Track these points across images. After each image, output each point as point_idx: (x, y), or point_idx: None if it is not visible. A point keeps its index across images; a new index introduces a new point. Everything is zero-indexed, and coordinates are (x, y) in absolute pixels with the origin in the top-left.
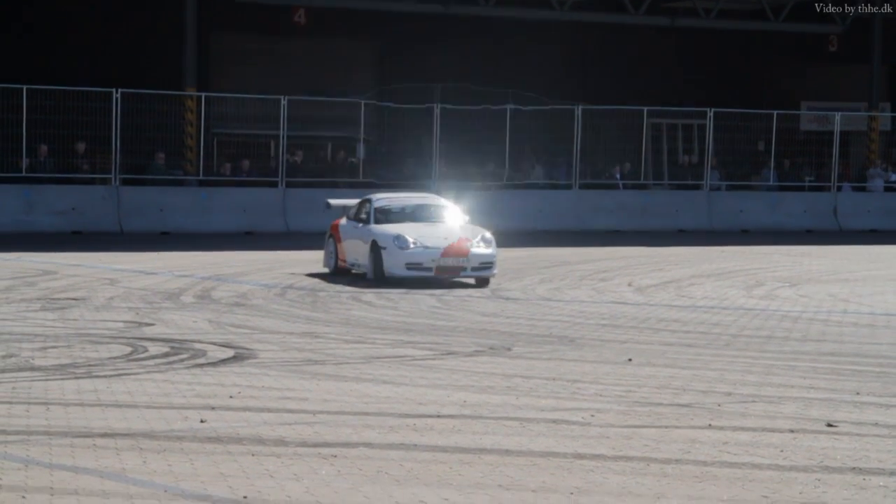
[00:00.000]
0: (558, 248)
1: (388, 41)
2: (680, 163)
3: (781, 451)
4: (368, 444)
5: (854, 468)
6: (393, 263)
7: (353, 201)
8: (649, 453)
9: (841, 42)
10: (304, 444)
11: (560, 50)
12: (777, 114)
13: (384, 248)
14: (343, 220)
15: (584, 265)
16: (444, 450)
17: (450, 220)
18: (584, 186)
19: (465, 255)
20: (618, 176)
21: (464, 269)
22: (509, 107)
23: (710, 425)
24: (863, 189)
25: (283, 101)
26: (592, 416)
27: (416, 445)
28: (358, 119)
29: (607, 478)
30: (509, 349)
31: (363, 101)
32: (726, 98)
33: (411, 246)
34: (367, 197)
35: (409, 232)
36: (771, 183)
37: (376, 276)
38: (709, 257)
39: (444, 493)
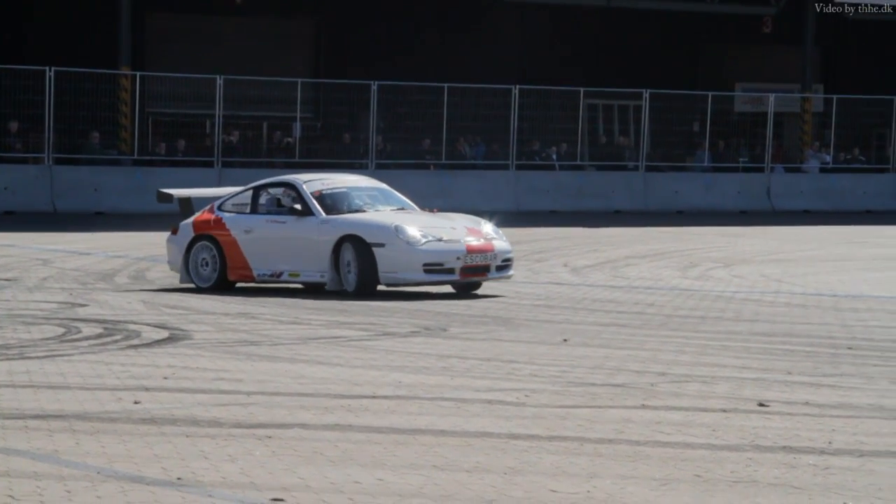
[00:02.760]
0: None
1: (326, 19)
2: (616, 143)
3: (714, 430)
4: (303, 425)
5: (785, 447)
6: (399, 265)
7: (221, 191)
8: (583, 433)
9: (775, 24)
10: (238, 426)
11: (499, 30)
12: (712, 95)
13: (380, 246)
14: (227, 215)
15: (519, 245)
16: (378, 430)
17: (415, 207)
18: (520, 167)
19: (491, 249)
20: (554, 157)
21: (489, 268)
22: (446, 85)
23: (643, 405)
24: (796, 170)
25: (219, 81)
26: (527, 396)
27: (350, 426)
28: (295, 98)
29: (541, 457)
30: (445, 330)
31: (300, 81)
32: (662, 79)
33: (422, 240)
34: (284, 180)
35: (403, 221)
36: (705, 164)
37: (362, 286)
38: (643, 238)
39: (379, 473)
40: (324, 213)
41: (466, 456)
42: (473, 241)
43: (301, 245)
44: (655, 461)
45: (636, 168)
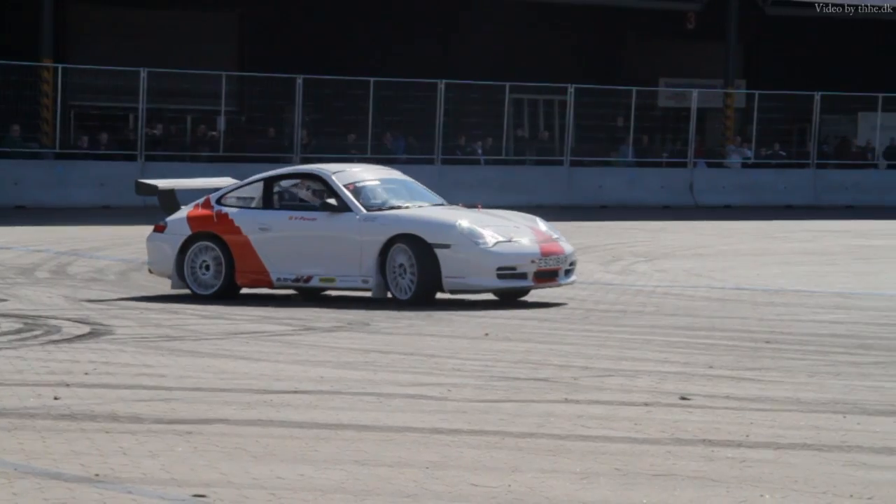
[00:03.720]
0: None
1: (251, 13)
2: (539, 138)
3: (635, 424)
4: (225, 421)
5: (704, 440)
6: (468, 269)
7: (208, 182)
8: (505, 427)
9: (699, 20)
10: (159, 421)
11: (424, 24)
12: (636, 90)
13: (444, 247)
14: (233, 210)
15: None
16: (300, 426)
17: (445, 202)
18: (446, 162)
19: (562, 252)
20: (479, 151)
21: (558, 273)
22: (372, 79)
23: (566, 399)
24: (718, 165)
25: (143, 74)
26: (450, 390)
27: (272, 422)
28: (219, 92)
29: (463, 452)
30: (367, 324)
31: (224, 74)
32: (587, 74)
33: (492, 240)
34: (304, 171)
35: (466, 218)
36: (629, 159)
37: (421, 293)
38: (566, 232)
39: (301, 469)
40: (364, 210)
41: (388, 450)
42: (544, 243)
43: (337, 246)
44: (577, 455)
45: (561, 163)
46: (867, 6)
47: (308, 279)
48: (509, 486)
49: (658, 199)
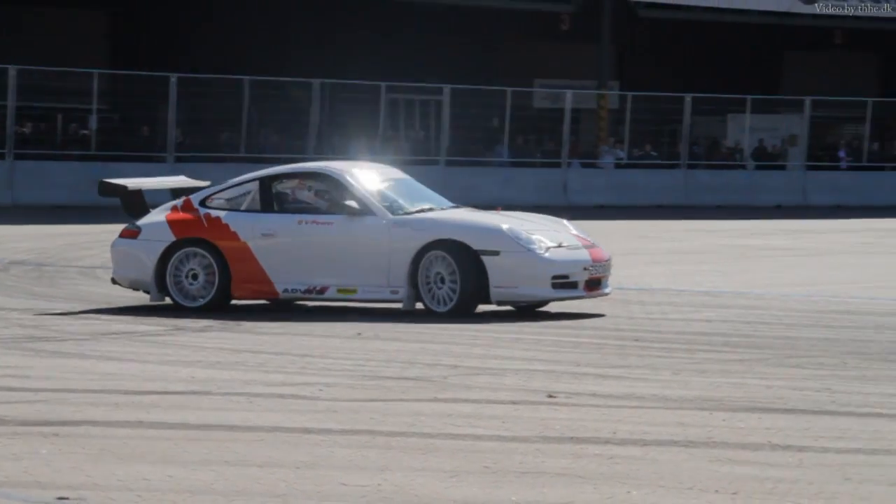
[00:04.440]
0: None
1: (124, 10)
2: (415, 138)
3: (503, 422)
4: (92, 422)
5: (572, 437)
6: (520, 277)
7: (172, 181)
8: (375, 426)
9: (573, 21)
10: (24, 423)
11: (301, 23)
12: (511, 91)
13: (492, 254)
14: (226, 213)
15: None
16: (170, 427)
17: (460, 206)
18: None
19: (607, 258)
20: (354, 151)
21: (601, 281)
22: (247, 78)
23: (435, 398)
24: (592, 166)
25: (12, 71)
26: (321, 390)
27: (141, 423)
28: (91, 90)
29: (333, 451)
30: (239, 324)
31: (96, 72)
32: (463, 75)
33: (543, 247)
34: (309, 170)
35: (509, 222)
36: (504, 159)
37: (463, 304)
38: None
39: (169, 470)
40: (389, 213)
41: (258, 451)
42: (590, 248)
43: (360, 253)
44: (446, 453)
45: (436, 162)
46: (736, 10)
47: (323, 290)
48: (379, 485)
49: (532, 199)
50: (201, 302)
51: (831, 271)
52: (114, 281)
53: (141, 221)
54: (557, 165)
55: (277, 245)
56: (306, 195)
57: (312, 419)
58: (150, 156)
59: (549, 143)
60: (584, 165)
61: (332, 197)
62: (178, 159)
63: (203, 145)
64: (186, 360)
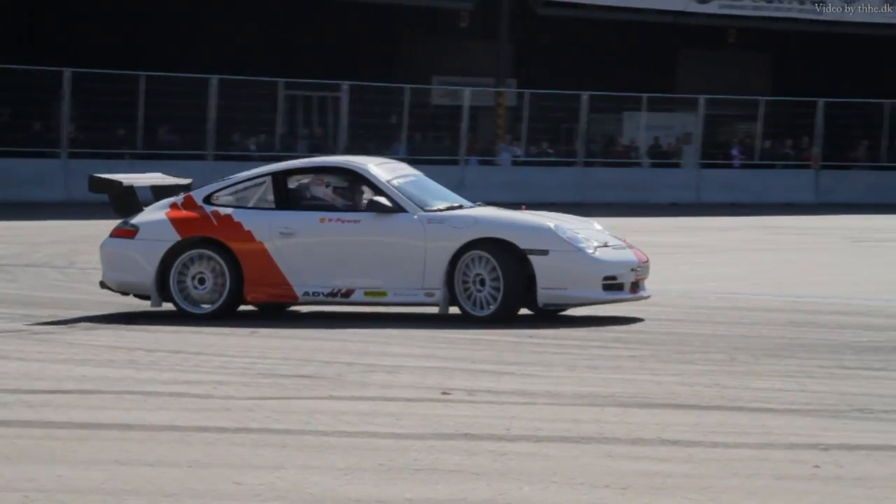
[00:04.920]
0: None
1: (14, 2)
2: (315, 135)
3: (398, 419)
4: None
5: (466, 434)
6: (571, 279)
7: (148, 178)
8: (270, 424)
9: (471, 18)
10: None
11: (199, 19)
12: (410, 88)
13: (541, 254)
14: (237, 211)
15: None
16: (60, 426)
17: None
18: (218, 158)
19: (646, 260)
20: (253, 147)
21: (641, 283)
22: (143, 74)
23: (331, 396)
24: (489, 163)
25: None
26: (215, 388)
27: (30, 422)
28: None
29: (227, 450)
30: (132, 321)
31: None
32: (362, 71)
33: (592, 246)
34: (328, 164)
35: (553, 219)
36: (403, 156)
37: (507, 307)
38: None
39: (58, 470)
40: (420, 210)
41: (151, 450)
42: (633, 249)
43: (392, 253)
44: (340, 451)
45: None
46: (632, 8)
47: (348, 293)
48: (273, 483)
49: None
50: (209, 308)
51: (722, 268)
52: (103, 285)
53: (137, 220)
54: (455, 163)
55: (297, 245)
56: (323, 191)
57: (206, 417)
58: (42, 151)
59: (447, 141)
60: (482, 163)
61: (352, 193)
62: (72, 155)
63: (98, 141)
64: (78, 359)
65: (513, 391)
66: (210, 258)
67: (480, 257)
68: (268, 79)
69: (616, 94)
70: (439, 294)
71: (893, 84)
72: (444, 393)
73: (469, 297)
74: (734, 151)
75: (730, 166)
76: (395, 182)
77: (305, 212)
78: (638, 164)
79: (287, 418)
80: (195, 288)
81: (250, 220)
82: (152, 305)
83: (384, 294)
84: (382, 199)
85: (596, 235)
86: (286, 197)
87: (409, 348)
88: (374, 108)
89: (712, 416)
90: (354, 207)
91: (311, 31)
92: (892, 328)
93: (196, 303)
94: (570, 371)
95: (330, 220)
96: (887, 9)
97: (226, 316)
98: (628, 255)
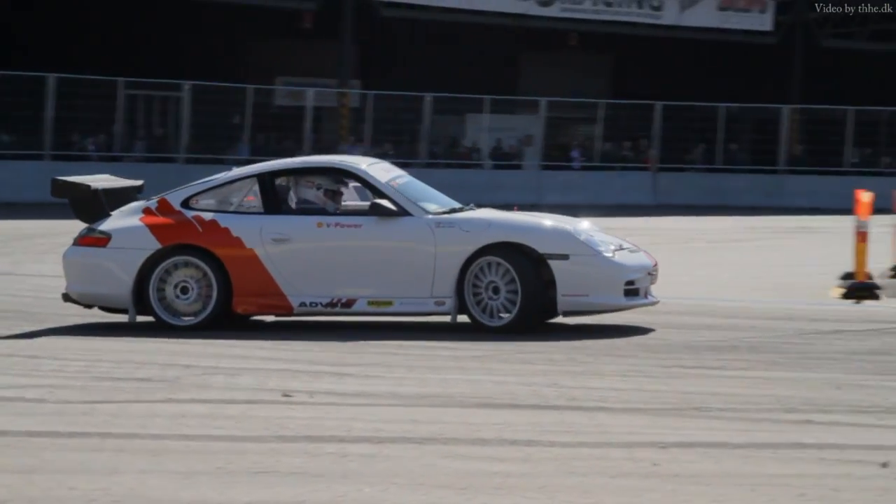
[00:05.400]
0: (16, 221)
1: None
2: (155, 135)
3: (238, 422)
4: None
5: (306, 436)
6: (593, 285)
7: (99, 178)
8: (106, 429)
9: (315, 19)
10: None
11: (38, 17)
12: (253, 88)
13: (561, 259)
14: (222, 216)
15: (46, 238)
16: None
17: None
18: (56, 158)
19: (656, 263)
20: (93, 148)
21: (650, 287)
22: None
23: (169, 399)
24: None
25: None
26: (50, 392)
27: None
28: None
29: (62, 455)
30: None
31: None
32: (205, 71)
33: (610, 249)
34: (321, 164)
35: (569, 222)
36: (246, 157)
37: (525, 316)
38: None
39: None
40: (425, 213)
41: None
42: (644, 252)
43: (398, 259)
44: (178, 455)
45: (175, 160)
46: (475, 11)
47: (349, 303)
48: (109, 488)
49: None
50: (193, 320)
51: None
52: (66, 297)
53: (107, 227)
54: None
55: (292, 252)
56: (314, 194)
57: (39, 422)
58: None
59: (290, 142)
60: None
61: (334, 195)
62: None
63: None
64: None
65: (354, 392)
66: (195, 266)
67: (494, 263)
68: (107, 78)
69: (459, 95)
70: (450, 303)
71: (729, 88)
72: (285, 395)
73: (481, 307)
74: (574, 153)
75: (570, 168)
76: (394, 183)
77: (300, 216)
78: (480, 166)
79: (124, 422)
80: (179, 299)
81: (239, 226)
82: (130, 319)
83: (390, 303)
84: (385, 203)
85: (610, 239)
86: (275, 200)
87: (250, 350)
88: (217, 108)
89: (551, 416)
90: (344, 210)
91: (152, 30)
92: (727, 327)
93: (178, 314)
94: (410, 372)
95: (328, 225)
96: (722, 14)
97: (211, 328)
98: (643, 259)
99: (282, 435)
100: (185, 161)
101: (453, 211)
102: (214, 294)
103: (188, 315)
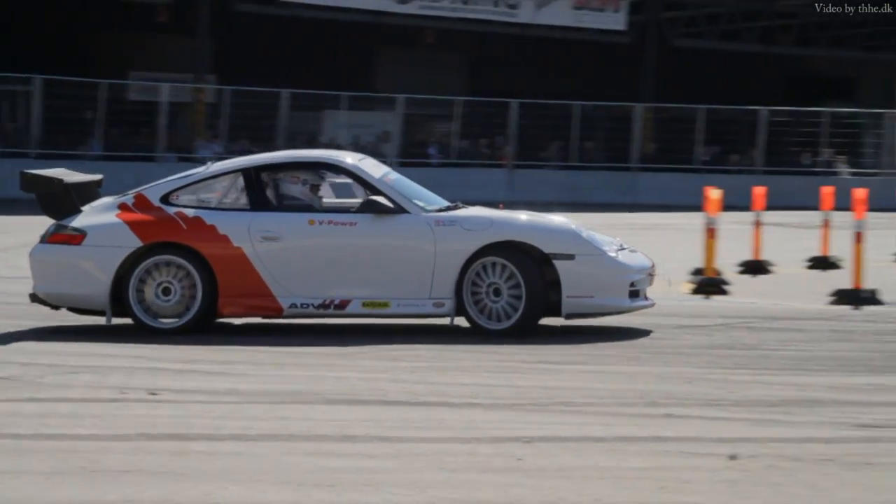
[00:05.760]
0: None
1: None
2: (5, 130)
3: (103, 420)
4: None
5: (173, 435)
6: (598, 286)
7: (57, 172)
8: None
9: (170, 14)
10: None
11: None
12: (106, 83)
13: (567, 259)
14: (207, 213)
15: None
16: None
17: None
18: None
19: (654, 264)
20: None
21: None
22: None
23: (31, 398)
24: (188, 160)
25: None
26: None
27: None
28: None
29: None
30: None
31: None
32: (58, 65)
33: (612, 249)
34: (309, 159)
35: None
36: (98, 152)
37: (528, 319)
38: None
39: None
40: (422, 211)
41: None
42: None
43: (396, 259)
44: (42, 455)
45: (27, 155)
46: (333, 7)
47: (343, 304)
48: None
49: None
50: (177, 322)
51: None
52: (34, 297)
53: (81, 223)
54: (152, 159)
55: (283, 250)
56: (300, 190)
57: None
58: None
59: (144, 137)
60: (181, 160)
61: (318, 189)
62: None
63: None
64: None
65: (222, 391)
66: (179, 266)
67: (495, 263)
68: None
69: (316, 91)
70: (449, 304)
71: (584, 86)
72: (152, 393)
73: (480, 309)
74: (431, 150)
75: (428, 165)
76: (388, 180)
77: (290, 213)
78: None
79: None
80: (159, 299)
81: (225, 223)
82: (107, 321)
83: (386, 305)
84: (382, 199)
85: (607, 238)
86: (263, 196)
87: (116, 348)
88: (69, 102)
89: (420, 412)
90: (339, 207)
91: (1, 23)
92: (584, 323)
93: (163, 316)
94: (279, 370)
95: (321, 223)
96: (577, 13)
97: (195, 331)
98: (643, 259)
99: (148, 433)
100: (36, 156)
101: (448, 209)
102: (199, 295)
103: (170, 317)
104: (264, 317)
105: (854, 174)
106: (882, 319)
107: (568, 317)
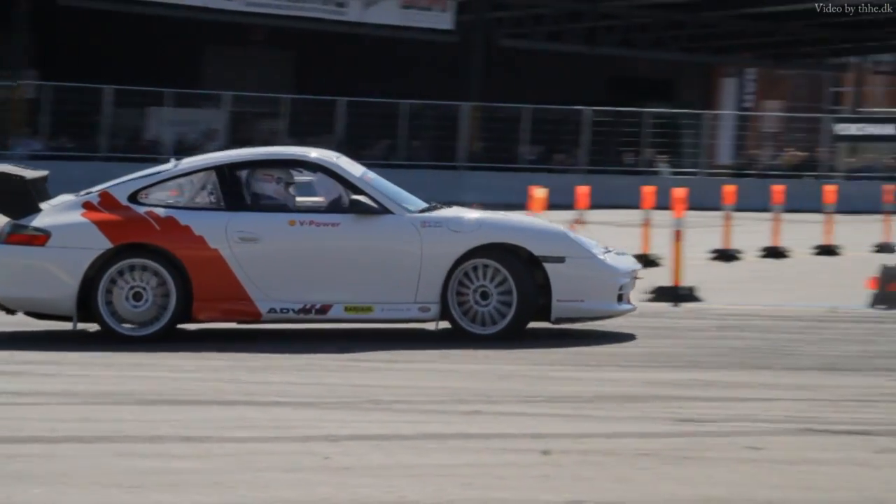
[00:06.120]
0: None
1: None
2: None
3: None
4: None
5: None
6: (588, 290)
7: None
8: None
9: None
10: None
11: None
12: None
13: (557, 262)
14: (181, 213)
15: None
16: None
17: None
18: None
19: (638, 267)
20: None
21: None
22: None
23: None
24: (4, 157)
25: None
26: None
27: None
28: None
29: None
30: None
31: None
32: None
33: (600, 252)
34: (284, 156)
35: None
36: None
37: (519, 322)
38: None
39: None
40: (406, 211)
41: None
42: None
43: (380, 261)
44: None
45: None
46: (159, 3)
47: (325, 309)
48: None
49: None
50: (149, 330)
51: None
52: (4, 301)
53: (43, 223)
54: None
55: (261, 252)
56: (274, 188)
57: None
58: None
59: None
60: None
61: (289, 187)
62: None
63: None
64: None
65: (26, 391)
66: (153, 270)
67: (486, 266)
68: None
69: (139, 88)
70: (435, 309)
71: (412, 85)
72: None
73: (465, 312)
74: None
75: None
76: (367, 178)
77: (269, 213)
78: (165, 160)
79: None
80: (129, 304)
81: (201, 224)
82: (73, 326)
83: (369, 309)
84: (364, 199)
85: (592, 240)
86: (238, 195)
87: None
88: None
89: (229, 412)
90: (315, 207)
91: None
92: (399, 331)
93: (133, 322)
94: (84, 370)
95: (302, 223)
96: (405, 12)
97: (168, 338)
98: (630, 261)
99: None
100: None
101: (432, 209)
102: (173, 299)
103: (141, 324)
104: (241, 322)
105: (674, 174)
106: (700, 316)
107: (557, 321)
